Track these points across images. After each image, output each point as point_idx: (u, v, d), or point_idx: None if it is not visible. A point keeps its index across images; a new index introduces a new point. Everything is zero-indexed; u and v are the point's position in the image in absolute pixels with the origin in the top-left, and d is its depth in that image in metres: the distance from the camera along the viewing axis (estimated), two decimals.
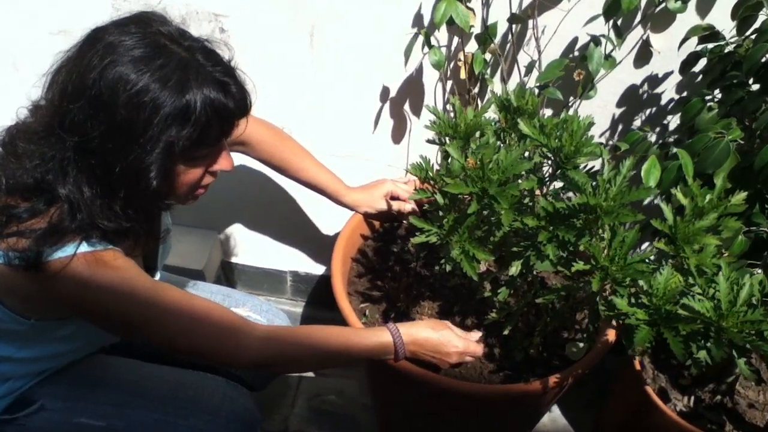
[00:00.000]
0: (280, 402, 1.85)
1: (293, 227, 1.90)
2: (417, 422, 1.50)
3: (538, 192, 1.07)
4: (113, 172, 0.96)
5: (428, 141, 1.18)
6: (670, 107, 1.40)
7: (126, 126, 0.93)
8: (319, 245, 1.91)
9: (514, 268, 1.06)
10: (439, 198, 1.06)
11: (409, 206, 1.54)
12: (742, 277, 0.89)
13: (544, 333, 1.21)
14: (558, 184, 1.06)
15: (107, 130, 0.93)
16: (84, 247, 0.99)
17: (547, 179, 1.04)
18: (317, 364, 1.23)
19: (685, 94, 1.40)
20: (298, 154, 1.48)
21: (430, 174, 1.07)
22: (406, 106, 1.56)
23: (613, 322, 1.31)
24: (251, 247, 1.98)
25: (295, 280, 2.04)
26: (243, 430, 1.32)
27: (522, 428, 1.59)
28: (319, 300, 2.06)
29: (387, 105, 1.57)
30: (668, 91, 1.41)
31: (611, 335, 1.32)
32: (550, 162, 1.02)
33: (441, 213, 1.07)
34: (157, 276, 1.29)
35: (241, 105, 1.03)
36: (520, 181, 0.98)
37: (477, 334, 1.32)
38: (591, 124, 0.99)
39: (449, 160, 1.03)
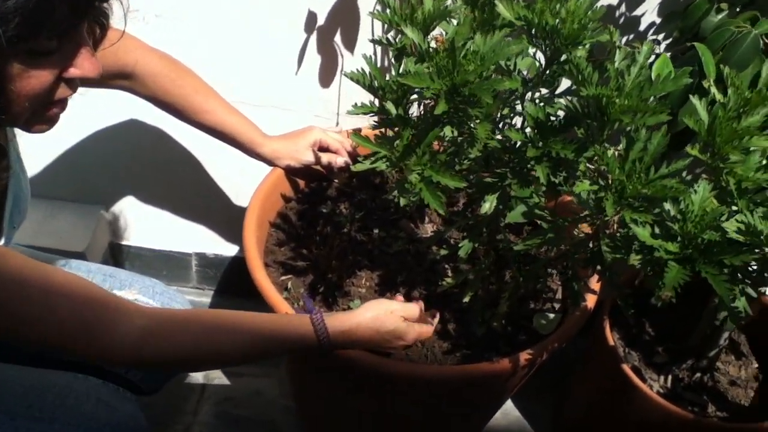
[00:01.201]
0: (181, 408, 1.52)
1: (199, 198, 1.58)
2: (351, 422, 1.22)
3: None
4: None
5: (372, 41, 0.91)
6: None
7: None
8: (231, 220, 1.60)
9: (488, 204, 0.81)
10: (390, 108, 0.79)
11: (341, 159, 1.27)
12: None
13: (514, 298, 0.97)
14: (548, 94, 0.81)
15: None
16: None
17: (533, 80, 0.79)
18: (220, 359, 0.94)
19: None
20: (201, 92, 1.18)
21: (376, 82, 0.80)
22: (338, 38, 1.28)
23: (595, 283, 1.08)
24: (146, 225, 1.64)
25: (201, 265, 1.72)
26: None
27: (483, 419, 1.34)
28: (231, 287, 1.75)
29: (314, 37, 1.29)
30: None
31: (590, 301, 1.09)
32: (540, 56, 0.77)
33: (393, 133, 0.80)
34: (1, 242, 0.95)
35: None
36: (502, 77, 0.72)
37: (420, 305, 1.07)
38: None
39: (405, 56, 0.77)
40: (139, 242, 1.68)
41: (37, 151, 1.49)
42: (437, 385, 1.01)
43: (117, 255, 1.70)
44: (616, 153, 0.70)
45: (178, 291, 1.71)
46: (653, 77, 0.73)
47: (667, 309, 1.25)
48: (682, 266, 0.67)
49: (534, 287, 1.08)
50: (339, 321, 0.95)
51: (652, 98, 0.67)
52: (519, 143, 0.80)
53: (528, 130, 0.78)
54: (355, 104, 0.83)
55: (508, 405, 1.61)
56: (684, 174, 0.76)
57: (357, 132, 0.80)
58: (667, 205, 0.69)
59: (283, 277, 1.16)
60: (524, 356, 1.01)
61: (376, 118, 0.84)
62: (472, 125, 0.75)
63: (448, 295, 1.13)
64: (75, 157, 1.50)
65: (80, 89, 0.78)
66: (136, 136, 1.45)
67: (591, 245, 0.87)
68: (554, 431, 1.57)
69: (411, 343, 0.99)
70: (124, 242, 1.68)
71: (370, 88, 0.80)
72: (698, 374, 1.31)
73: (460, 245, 0.98)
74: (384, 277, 1.17)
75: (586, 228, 0.84)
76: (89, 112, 1.42)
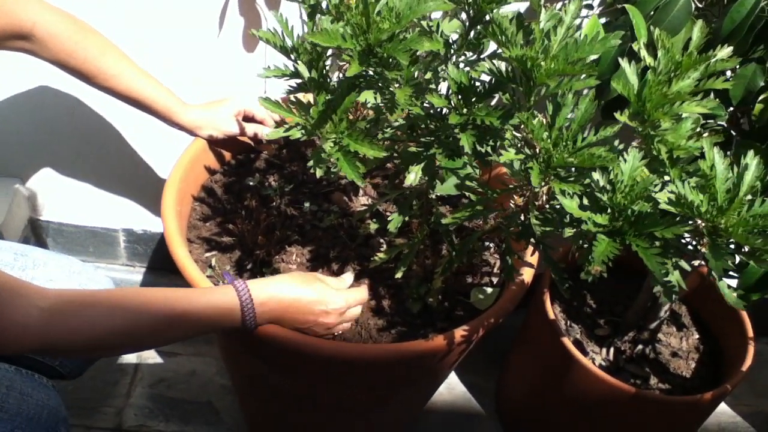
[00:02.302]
0: (112, 391, 1.45)
1: (123, 171, 1.49)
2: (286, 404, 1.17)
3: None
4: None
5: None
6: None
7: None
8: (159, 194, 1.49)
9: (413, 175, 0.75)
10: (302, 70, 0.72)
11: (268, 129, 1.19)
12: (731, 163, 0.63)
13: (447, 272, 0.92)
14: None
15: None
16: None
17: (458, 42, 0.72)
18: (134, 341, 0.87)
19: None
20: (108, 54, 1.09)
21: (289, 41, 0.73)
22: None
23: (530, 256, 1.04)
24: (68, 199, 1.54)
25: (130, 241, 1.63)
26: None
27: (422, 397, 1.30)
28: (163, 264, 1.66)
29: None
30: None
31: (526, 274, 1.05)
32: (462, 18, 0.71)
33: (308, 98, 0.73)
34: None
35: None
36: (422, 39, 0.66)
37: (349, 277, 1.02)
38: None
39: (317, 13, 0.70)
40: (61, 218, 1.58)
41: None
42: (370, 365, 0.96)
43: (38, 232, 1.60)
44: (543, 120, 0.64)
45: (103, 269, 1.63)
46: (582, 39, 0.68)
47: (607, 281, 1.23)
48: (612, 239, 0.62)
49: (469, 261, 1.03)
50: (262, 283, 0.90)
51: (580, 62, 0.62)
52: (449, 109, 0.74)
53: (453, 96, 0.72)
54: (268, 67, 0.75)
55: (454, 379, 1.58)
56: (617, 143, 0.71)
57: (269, 98, 0.73)
58: (596, 175, 0.65)
59: (208, 254, 1.09)
60: (460, 333, 0.96)
61: (293, 82, 0.77)
62: (392, 90, 0.69)
63: (383, 270, 1.08)
64: None
65: None
66: (50, 103, 1.34)
67: (522, 218, 0.82)
68: (497, 405, 1.54)
69: (339, 313, 0.94)
70: (44, 218, 1.57)
71: (283, 49, 0.73)
72: (640, 346, 1.29)
73: (390, 218, 0.92)
74: (315, 252, 1.11)
75: (519, 200, 0.79)
76: None
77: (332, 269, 1.09)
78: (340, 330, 0.98)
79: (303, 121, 0.69)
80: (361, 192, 1.22)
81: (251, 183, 1.19)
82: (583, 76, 0.62)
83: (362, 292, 1.00)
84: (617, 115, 0.65)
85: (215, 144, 1.20)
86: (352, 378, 1.02)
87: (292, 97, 0.74)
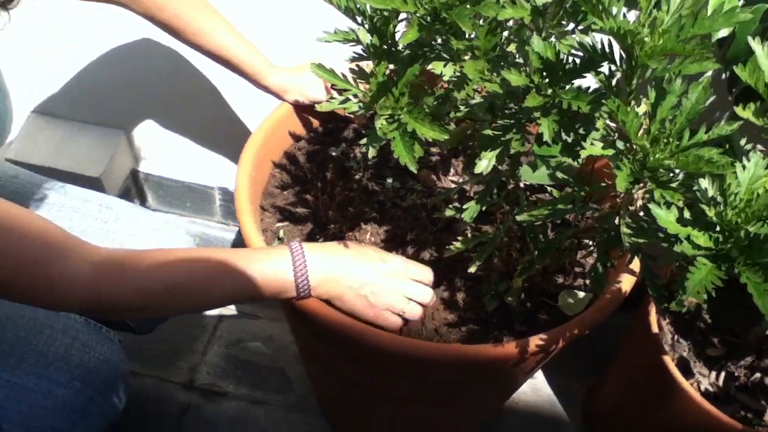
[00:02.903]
0: (190, 346, 1.46)
1: (220, 129, 1.47)
2: (349, 390, 1.11)
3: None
4: None
5: None
6: None
7: None
8: None
9: (485, 162, 0.65)
10: (362, 35, 0.63)
11: None
12: None
13: (527, 272, 0.81)
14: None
15: None
16: None
17: (550, 10, 0.61)
18: (184, 299, 0.83)
19: None
20: (200, 9, 1.05)
21: (352, 3, 0.64)
22: None
23: (634, 262, 0.91)
24: (169, 153, 1.56)
25: (225, 200, 1.63)
26: (90, 390, 0.93)
27: (494, 400, 1.20)
28: None
29: None
30: None
31: (626, 282, 0.92)
32: None
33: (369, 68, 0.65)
34: None
35: None
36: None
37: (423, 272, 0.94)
38: None
39: None
40: (161, 171, 1.60)
41: (50, 68, 1.41)
42: (429, 364, 0.88)
43: (139, 183, 1.63)
44: (641, 109, 0.52)
45: (199, 225, 1.64)
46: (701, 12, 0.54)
47: (730, 293, 1.06)
48: (716, 266, 0.50)
49: (557, 261, 0.92)
50: (317, 245, 0.88)
51: (694, 40, 0.48)
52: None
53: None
54: (332, 31, 0.67)
55: (540, 379, 1.47)
56: (743, 143, 0.57)
57: (321, 65, 0.65)
58: (704, 183, 0.52)
59: (279, 224, 1.04)
60: (535, 341, 0.86)
61: (359, 49, 0.69)
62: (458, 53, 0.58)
63: (461, 260, 0.99)
64: (91, 77, 1.41)
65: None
66: (152, 57, 1.34)
67: (616, 222, 0.70)
68: (585, 415, 1.41)
69: (396, 274, 0.89)
70: (145, 170, 1.60)
71: (348, 11, 0.65)
72: (758, 374, 1.12)
73: (465, 206, 0.83)
74: (392, 233, 1.03)
75: (611, 202, 0.67)
76: (104, 31, 1.32)
77: (407, 253, 1.01)
78: (406, 311, 0.90)
79: (361, 93, 0.61)
80: (452, 171, 1.12)
81: (334, 153, 1.12)
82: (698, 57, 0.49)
83: (426, 270, 0.92)
84: (738, 109, 0.51)
85: (302, 109, 1.14)
86: (412, 373, 0.94)
87: (354, 65, 0.65)
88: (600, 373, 1.38)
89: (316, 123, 1.18)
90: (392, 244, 1.02)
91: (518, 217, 0.68)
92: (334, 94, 1.09)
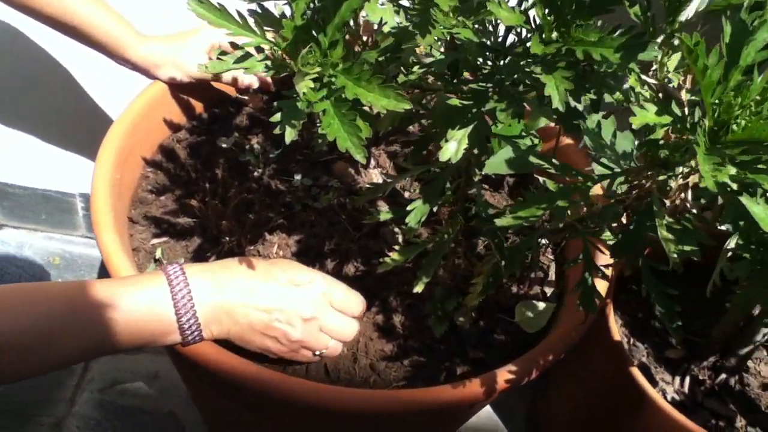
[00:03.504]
0: (53, 394, 1.17)
1: (80, 121, 1.19)
2: None
3: None
4: None
5: None
6: None
7: None
8: None
9: (453, 146, 0.44)
10: None
11: (254, 77, 0.89)
12: None
13: (492, 288, 0.62)
14: None
15: None
16: None
17: None
18: (11, 368, 0.57)
19: None
20: None
21: None
22: None
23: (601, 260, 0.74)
24: (14, 152, 1.25)
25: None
26: None
27: None
28: None
29: None
30: None
31: (599, 287, 0.75)
32: None
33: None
34: None
35: None
36: None
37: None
38: None
39: None
40: (5, 177, 1.28)
41: None
42: (366, 417, 0.66)
43: None
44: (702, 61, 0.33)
45: (58, 241, 1.34)
46: None
47: (684, 284, 0.93)
48: None
49: (520, 267, 0.73)
50: (203, 267, 0.66)
51: None
52: (520, 35, 0.43)
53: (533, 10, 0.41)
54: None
55: None
56: None
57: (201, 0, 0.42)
58: None
59: (155, 240, 0.79)
60: (504, 375, 0.67)
61: None
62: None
63: (395, 273, 0.78)
64: None
65: None
66: None
67: (625, 221, 0.51)
68: None
69: (313, 318, 0.67)
70: None
71: None
72: (723, 375, 1.00)
73: (410, 207, 0.62)
74: (305, 244, 0.81)
75: (598, 190, 0.49)
76: None
77: (327, 268, 0.79)
78: (324, 351, 0.69)
79: (268, 44, 0.39)
80: (372, 163, 0.92)
81: (224, 145, 0.88)
82: None
83: (354, 298, 0.71)
84: None
85: (180, 90, 0.89)
86: (348, 428, 0.72)
87: (255, 6, 0.43)
88: (543, 384, 1.22)
89: (199, 107, 0.93)
90: (306, 257, 0.80)
91: (500, 221, 0.48)
92: (226, 48, 0.85)
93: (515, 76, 0.43)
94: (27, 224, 1.37)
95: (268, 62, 0.40)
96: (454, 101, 0.44)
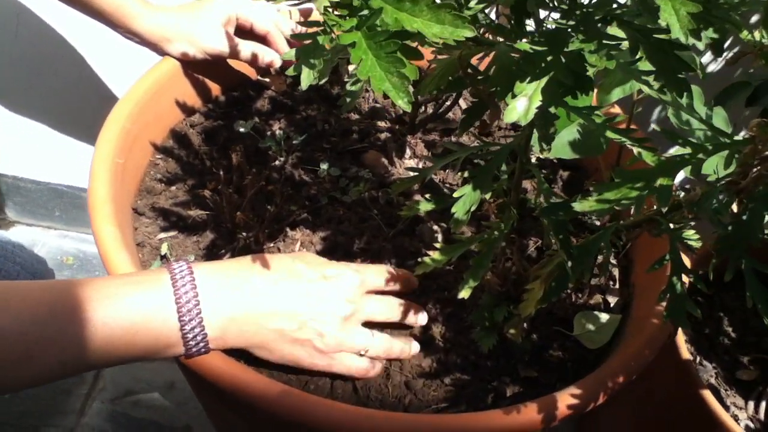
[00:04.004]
0: (61, 405, 1.09)
1: (92, 107, 1.11)
2: None
3: None
4: None
5: None
6: None
7: None
8: None
9: (522, 104, 0.34)
10: None
11: (271, 54, 0.80)
12: None
13: (557, 293, 0.51)
14: None
15: None
16: None
17: None
18: (19, 373, 0.48)
19: None
20: None
21: None
22: None
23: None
24: (25, 144, 1.17)
25: None
26: None
27: None
28: None
29: None
30: None
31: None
32: None
33: None
34: None
35: None
36: None
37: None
38: None
39: None
40: (15, 170, 1.21)
41: None
42: None
43: None
44: None
45: (72, 239, 1.26)
46: None
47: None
48: None
49: (590, 270, 0.62)
50: (215, 265, 0.57)
51: None
52: None
53: None
54: None
55: None
56: None
57: None
58: None
59: (163, 235, 0.70)
60: (566, 399, 0.56)
61: None
62: None
63: (434, 276, 0.68)
64: None
65: None
66: None
67: (735, 209, 0.40)
68: None
69: (354, 290, 0.59)
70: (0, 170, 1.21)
71: None
72: None
73: (456, 194, 0.51)
74: (331, 242, 0.71)
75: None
76: None
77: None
78: (371, 347, 0.59)
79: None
80: (408, 153, 0.81)
81: (243, 129, 0.79)
82: None
83: (383, 270, 0.63)
84: None
85: (194, 68, 0.80)
86: None
87: None
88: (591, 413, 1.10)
89: (216, 89, 0.84)
90: (333, 257, 0.69)
91: (578, 206, 0.38)
92: (277, 44, 0.75)
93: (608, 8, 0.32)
94: (40, 221, 1.29)
95: (323, 30, 0.30)
96: (523, 45, 0.34)
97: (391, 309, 0.61)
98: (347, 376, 0.59)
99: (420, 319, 0.63)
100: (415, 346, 0.62)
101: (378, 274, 0.63)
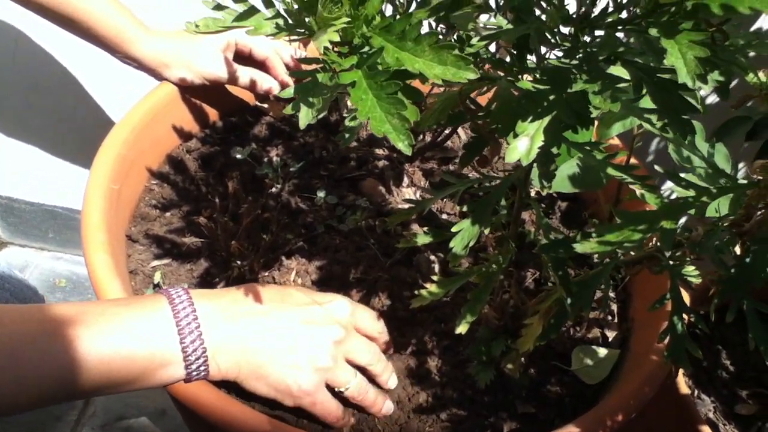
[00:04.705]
0: (51, 429, 1.06)
1: (88, 130, 1.10)
2: None
3: None
4: None
5: None
6: None
7: None
8: None
9: (524, 144, 0.33)
10: None
11: (270, 81, 0.80)
12: None
13: (556, 331, 0.50)
14: None
15: None
16: None
17: None
18: (13, 391, 0.47)
19: None
20: None
21: None
22: None
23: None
24: (18, 165, 1.17)
25: None
26: None
27: None
28: None
29: None
30: None
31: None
32: None
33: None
34: None
35: None
36: None
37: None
38: None
39: None
40: (10, 191, 1.20)
41: None
42: None
43: None
44: None
45: (67, 262, 1.24)
46: None
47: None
48: None
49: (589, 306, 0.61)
50: (211, 293, 0.57)
51: None
52: None
53: None
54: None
55: None
56: None
57: None
58: None
59: (156, 262, 0.69)
60: None
61: None
62: None
63: (431, 309, 0.67)
64: None
65: None
66: None
67: (738, 250, 0.39)
68: None
69: (338, 341, 0.57)
70: None
71: None
72: None
73: (455, 228, 0.51)
74: (327, 271, 0.70)
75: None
76: None
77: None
78: (351, 385, 0.58)
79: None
80: (406, 181, 0.81)
81: (240, 156, 0.78)
82: None
83: (382, 325, 0.62)
84: None
85: (192, 93, 0.80)
86: None
87: None
88: None
89: (213, 114, 0.84)
90: (329, 287, 0.68)
91: (580, 247, 0.37)
92: (276, 71, 0.75)
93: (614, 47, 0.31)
94: (33, 243, 1.28)
95: (279, 21, 0.30)
96: (525, 83, 0.33)
97: (373, 355, 0.60)
98: (321, 420, 0.57)
99: (391, 383, 0.61)
100: (388, 405, 0.60)
101: (370, 314, 0.62)
